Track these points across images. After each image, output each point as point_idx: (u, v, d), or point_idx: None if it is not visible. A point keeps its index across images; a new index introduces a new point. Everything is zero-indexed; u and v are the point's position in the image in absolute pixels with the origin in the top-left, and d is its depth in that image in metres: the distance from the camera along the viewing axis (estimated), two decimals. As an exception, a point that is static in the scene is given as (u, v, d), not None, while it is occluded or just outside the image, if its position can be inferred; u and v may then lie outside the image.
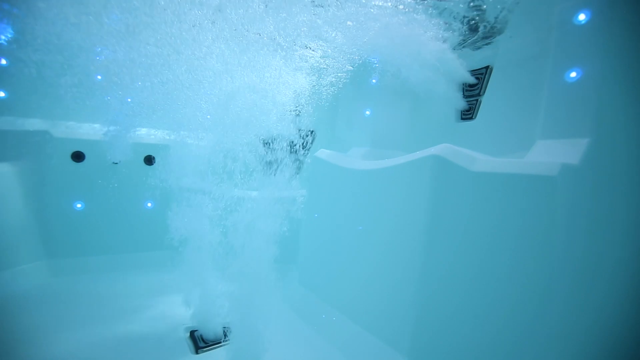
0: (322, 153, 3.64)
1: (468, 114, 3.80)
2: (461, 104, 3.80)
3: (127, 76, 4.66)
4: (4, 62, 4.34)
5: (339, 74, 4.25)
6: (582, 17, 2.46)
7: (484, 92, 3.64)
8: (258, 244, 2.62)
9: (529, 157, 2.49)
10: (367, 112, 4.50)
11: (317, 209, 3.69)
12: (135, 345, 2.85)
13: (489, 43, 3.57)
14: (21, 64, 4.43)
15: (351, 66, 4.08)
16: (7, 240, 3.79)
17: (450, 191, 2.38)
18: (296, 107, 3.98)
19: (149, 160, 4.49)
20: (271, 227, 2.68)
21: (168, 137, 4.73)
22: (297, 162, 3.34)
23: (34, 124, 4.34)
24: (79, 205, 4.25)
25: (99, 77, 4.96)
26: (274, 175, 3.11)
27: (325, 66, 4.26)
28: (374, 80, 4.43)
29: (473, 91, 3.72)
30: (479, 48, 3.66)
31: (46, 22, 3.93)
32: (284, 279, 3.98)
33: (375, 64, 4.16)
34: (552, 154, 2.34)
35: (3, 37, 4.10)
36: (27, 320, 3.10)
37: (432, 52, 3.51)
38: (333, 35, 3.67)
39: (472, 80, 3.70)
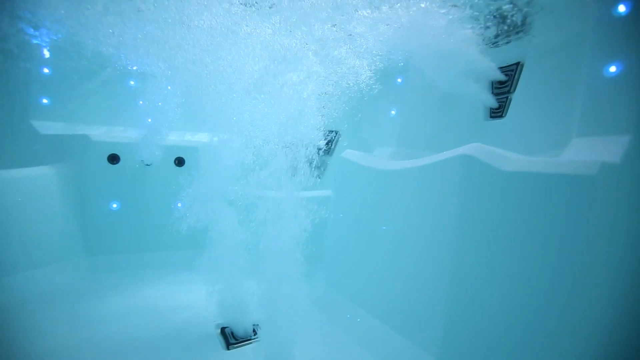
0: (349, 154, 3.65)
1: (497, 111, 3.70)
2: (490, 101, 3.70)
3: (158, 81, 4.85)
4: (46, 70, 4.62)
5: (364, 73, 4.24)
6: (622, 8, 2.34)
7: (515, 89, 3.53)
8: (286, 243, 2.66)
9: (564, 155, 2.40)
10: (393, 112, 4.47)
11: (343, 209, 3.70)
12: (168, 340, 2.97)
13: (520, 38, 3.46)
14: (62, 73, 4.71)
15: (377, 64, 4.06)
16: (50, 238, 4.04)
17: (481, 192, 2.33)
18: (322, 107, 4.01)
19: (180, 162, 4.65)
20: (298, 227, 2.72)
21: (198, 140, 4.89)
22: (322, 162, 3.38)
23: (74, 128, 4.60)
24: (114, 205, 4.46)
25: (132, 82, 5.20)
26: (295, 175, 3.16)
27: (349, 65, 4.25)
28: (399, 80, 4.39)
29: (503, 88, 3.62)
30: (509, 42, 3.56)
31: (84, 32, 4.16)
32: (311, 278, 4.01)
33: (401, 62, 4.12)
34: (590, 152, 2.24)
35: (47, 49, 4.37)
36: (68, 312, 3.30)
37: (460, 49, 3.45)
38: (358, 32, 3.67)
39: (501, 77, 3.60)
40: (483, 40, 3.54)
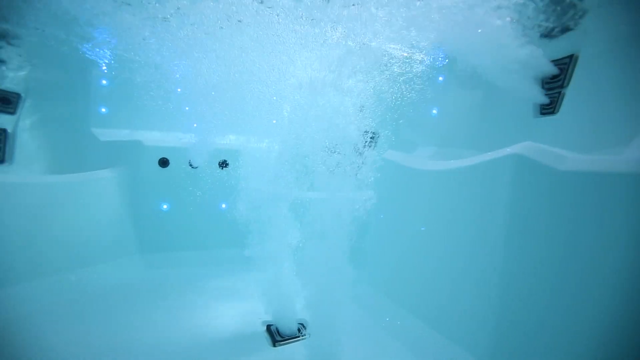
0: (390, 154, 3.62)
1: (549, 108, 3.50)
2: (540, 97, 3.51)
3: (202, 87, 5.08)
4: (104, 82, 5.00)
5: (404, 72, 4.19)
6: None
7: (568, 83, 3.33)
8: (329, 243, 2.70)
9: (629, 153, 2.24)
10: (434, 111, 4.37)
11: (385, 210, 3.68)
12: (216, 336, 3.10)
13: (574, 28, 3.26)
14: (118, 83, 5.08)
15: (418, 63, 3.99)
16: (107, 236, 4.36)
17: (535, 192, 2.23)
18: (360, 108, 4.01)
19: (224, 164, 4.85)
20: (341, 228, 2.75)
21: (241, 142, 5.05)
22: (361, 163, 3.37)
23: (128, 134, 4.94)
24: (165, 206, 4.73)
25: (179, 89, 5.48)
26: (336, 176, 3.18)
27: (390, 64, 4.21)
28: (440, 78, 4.30)
29: (555, 83, 3.42)
30: (562, 33, 3.36)
31: (135, 45, 4.46)
32: (354, 279, 4.03)
33: (444, 59, 4.02)
34: (660, 149, 2.08)
35: (104, 62, 4.74)
36: (125, 308, 3.53)
37: (507, 43, 3.30)
38: (402, 30, 3.62)
39: (553, 71, 3.40)
40: (532, 28, 3.36)
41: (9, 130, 4.57)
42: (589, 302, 1.93)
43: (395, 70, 4.04)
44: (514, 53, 3.38)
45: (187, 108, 5.53)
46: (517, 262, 2.31)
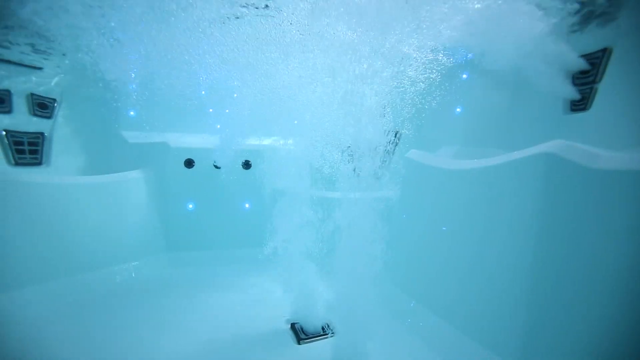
0: (414, 154, 3.59)
1: (580, 104, 3.37)
2: (571, 93, 3.39)
3: (224, 90, 5.18)
4: (133, 86, 5.18)
5: (426, 70, 4.13)
6: None
7: (601, 78, 3.20)
8: (353, 243, 2.71)
9: (669, 151, 2.14)
10: (458, 109, 4.30)
11: (408, 209, 3.65)
12: (242, 332, 3.17)
13: (607, 21, 3.13)
14: (145, 87, 5.25)
15: (442, 60, 3.92)
16: (136, 235, 4.52)
17: (568, 191, 2.16)
18: (383, 107, 3.99)
19: (247, 164, 4.93)
20: (364, 227, 2.75)
21: (264, 143, 5.13)
22: (385, 163, 3.35)
23: (155, 136, 5.10)
24: (190, 206, 4.87)
25: (203, 92, 5.61)
26: (358, 176, 3.18)
27: (411, 62, 4.16)
28: (464, 76, 4.21)
29: (587, 78, 3.29)
30: (594, 27, 3.23)
31: (161, 49, 4.58)
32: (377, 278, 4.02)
33: (468, 56, 3.94)
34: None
35: (133, 70, 4.91)
36: (152, 303, 3.66)
37: (535, 37, 3.20)
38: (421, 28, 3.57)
39: (584, 65, 3.28)
40: (562, 21, 3.24)
41: (46, 133, 4.81)
42: (625, 305, 1.86)
43: (418, 68, 3.99)
44: (543, 48, 3.28)
45: (210, 110, 5.67)
46: (549, 262, 2.24)
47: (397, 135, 5.20)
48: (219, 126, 5.52)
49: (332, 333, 3.08)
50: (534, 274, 2.31)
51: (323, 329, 3.15)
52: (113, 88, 5.17)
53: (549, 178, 2.27)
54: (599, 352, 1.99)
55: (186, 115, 5.54)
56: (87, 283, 3.87)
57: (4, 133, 4.41)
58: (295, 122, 4.78)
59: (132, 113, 5.21)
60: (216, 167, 4.82)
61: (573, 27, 3.32)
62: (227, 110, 5.41)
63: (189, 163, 4.79)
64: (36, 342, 2.80)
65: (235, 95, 5.10)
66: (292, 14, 3.31)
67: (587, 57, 3.29)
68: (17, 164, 4.52)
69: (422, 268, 3.43)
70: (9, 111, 4.47)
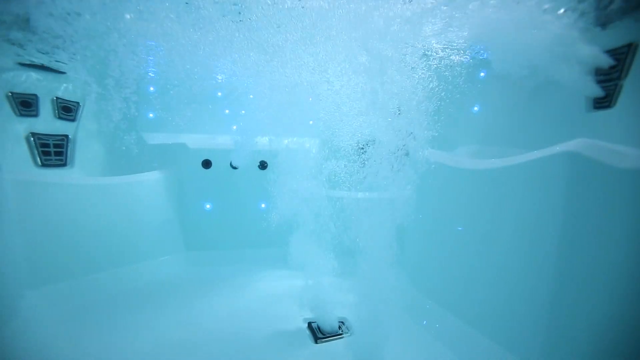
0: (430, 153, 3.55)
1: (604, 101, 3.28)
2: (594, 90, 3.30)
3: (241, 91, 5.25)
4: (152, 89, 5.30)
5: (443, 69, 4.09)
6: None
7: (627, 74, 3.10)
8: (370, 243, 2.71)
9: (701, 149, 2.06)
10: (475, 108, 4.23)
11: (425, 209, 3.62)
12: (259, 330, 3.21)
13: (632, 15, 3.03)
14: (164, 90, 5.36)
15: (457, 57, 3.87)
16: (156, 234, 4.62)
17: (593, 192, 2.11)
18: (397, 107, 3.97)
19: (263, 165, 4.98)
20: (381, 227, 2.75)
21: (279, 144, 5.18)
22: (400, 162, 3.33)
23: (174, 137, 5.21)
24: (208, 206, 4.95)
25: (219, 94, 5.70)
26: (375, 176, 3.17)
27: (427, 60, 4.12)
28: (482, 74, 4.15)
29: (611, 75, 3.20)
30: (619, 21, 3.13)
31: (180, 50, 4.67)
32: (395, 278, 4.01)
33: (484, 54, 3.88)
34: None
35: (152, 70, 5.03)
36: (171, 301, 3.75)
37: (555, 32, 3.13)
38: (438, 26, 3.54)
39: (608, 61, 3.18)
40: (584, 15, 3.16)
41: (70, 136, 4.97)
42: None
43: (434, 66, 3.95)
44: (565, 43, 3.20)
45: (227, 111, 5.76)
46: (573, 265, 2.19)
47: (410, 135, 5.16)
48: (235, 127, 5.60)
49: (349, 332, 3.10)
50: (558, 275, 2.26)
51: (340, 328, 3.16)
52: (133, 90, 5.32)
53: (573, 178, 2.21)
54: (626, 354, 1.94)
55: (203, 116, 5.64)
56: (109, 280, 3.99)
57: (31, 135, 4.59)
58: (311, 122, 4.82)
59: (151, 115, 5.34)
60: (233, 167, 4.89)
61: (596, 21, 3.23)
62: (243, 112, 5.49)
63: (207, 164, 4.87)
64: (62, 338, 2.91)
65: (251, 96, 5.17)
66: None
67: (611, 52, 3.19)
68: (43, 165, 4.69)
69: (440, 268, 3.40)
70: (35, 115, 4.65)
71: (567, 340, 2.22)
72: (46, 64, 4.60)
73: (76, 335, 2.98)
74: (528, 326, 2.46)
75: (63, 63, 4.66)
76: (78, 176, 4.82)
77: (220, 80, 5.42)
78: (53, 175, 4.63)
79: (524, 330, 2.48)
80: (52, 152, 4.79)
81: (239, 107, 5.52)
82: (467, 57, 3.97)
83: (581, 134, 2.55)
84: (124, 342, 2.96)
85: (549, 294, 2.32)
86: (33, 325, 2.94)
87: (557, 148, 2.40)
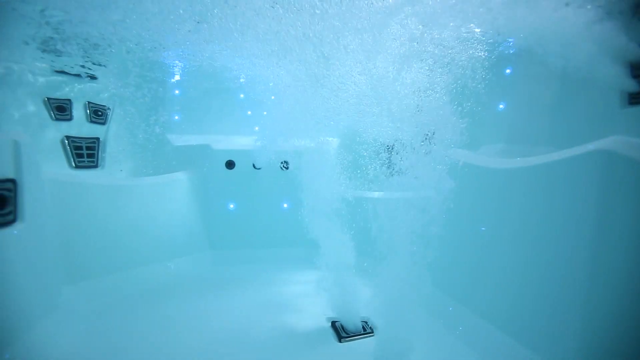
0: (455, 153, 3.49)
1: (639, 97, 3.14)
2: (629, 85, 3.16)
3: (264, 92, 5.32)
4: (177, 92, 5.47)
5: (467, 65, 4.00)
6: None
7: (665, 68, 2.96)
8: (394, 243, 2.70)
9: None
10: (501, 106, 4.13)
11: (449, 209, 3.56)
12: (284, 328, 3.25)
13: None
14: (188, 93, 5.52)
15: (482, 54, 3.78)
16: (181, 233, 4.75)
17: (629, 191, 2.03)
18: (417, 105, 3.92)
19: (285, 165, 5.04)
20: (404, 227, 2.73)
21: (301, 144, 5.24)
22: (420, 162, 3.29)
23: (198, 139, 5.35)
24: (231, 206, 5.05)
25: (242, 95, 5.80)
26: (395, 176, 3.15)
27: (449, 56, 4.03)
28: (508, 70, 4.04)
29: (648, 69, 3.06)
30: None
31: (205, 54, 4.78)
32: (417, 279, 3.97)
33: (511, 50, 3.79)
34: None
35: (178, 73, 5.19)
36: (197, 299, 3.82)
37: (588, 24, 3.02)
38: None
39: (645, 55, 3.04)
40: (618, 8, 3.03)
41: (101, 138, 5.19)
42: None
43: (459, 62, 3.87)
44: (597, 36, 3.09)
45: (249, 112, 5.86)
46: (608, 266, 2.12)
47: (432, 134, 5.08)
48: (257, 128, 5.69)
49: (373, 332, 3.09)
50: (593, 277, 2.18)
51: (364, 327, 3.16)
52: (159, 94, 5.50)
53: (608, 177, 2.13)
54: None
55: (227, 118, 5.77)
56: (138, 277, 4.13)
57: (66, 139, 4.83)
58: (332, 122, 4.83)
59: (176, 117, 5.50)
60: (256, 168, 4.97)
61: (633, 13, 3.10)
62: (264, 113, 5.57)
63: (230, 164, 4.97)
64: (96, 330, 3.05)
65: (272, 97, 5.24)
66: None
67: (648, 45, 3.06)
68: (77, 166, 4.92)
69: (467, 269, 3.34)
70: (69, 119, 4.88)
71: (602, 343, 2.14)
72: (78, 70, 4.83)
73: (108, 328, 3.11)
74: (558, 328, 2.39)
75: (98, 66, 4.87)
76: (109, 177, 5.03)
77: (242, 81, 5.53)
78: (86, 176, 4.84)
79: (554, 333, 2.41)
80: (84, 154, 5.01)
81: (260, 108, 5.60)
82: (494, 51, 3.86)
83: (615, 131, 2.46)
84: (152, 335, 3.06)
85: (583, 296, 2.25)
86: (70, 318, 3.10)
87: (591, 146, 2.32)
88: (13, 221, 2.65)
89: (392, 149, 3.17)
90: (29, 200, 2.82)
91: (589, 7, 3.01)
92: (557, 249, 2.43)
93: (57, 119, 4.77)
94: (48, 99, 4.69)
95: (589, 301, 2.22)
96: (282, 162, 5.03)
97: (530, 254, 2.67)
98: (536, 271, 2.61)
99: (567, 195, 2.41)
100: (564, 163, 2.47)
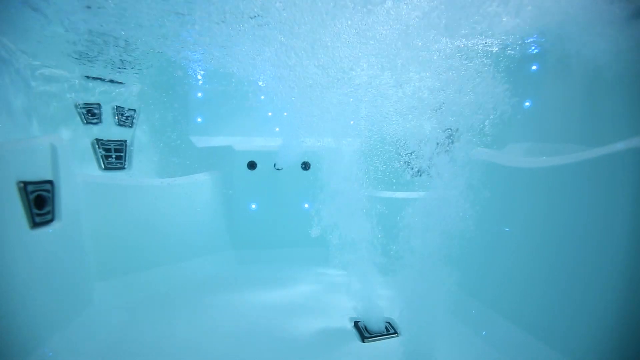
0: (480, 152, 3.44)
1: (677, 92, 3.01)
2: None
3: (283, 94, 5.37)
4: (200, 94, 5.60)
5: (491, 62, 3.92)
6: None
7: None
8: (417, 244, 2.69)
9: None
10: (527, 104, 4.03)
11: (475, 210, 3.51)
12: (307, 328, 3.27)
13: None
14: (210, 95, 5.64)
15: (510, 50, 3.70)
16: (205, 233, 4.86)
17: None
18: (440, 103, 3.87)
19: (306, 166, 5.08)
20: (426, 228, 2.71)
21: (321, 145, 5.27)
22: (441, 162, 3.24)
23: (220, 140, 5.46)
24: (253, 206, 5.13)
25: (262, 97, 5.88)
26: (417, 176, 3.13)
27: (474, 52, 3.95)
28: (534, 67, 3.94)
29: (685, 63, 2.93)
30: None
31: (226, 58, 4.88)
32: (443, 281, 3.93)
33: (535, 48, 3.69)
34: None
35: (200, 75, 5.31)
36: (219, 298, 3.89)
37: (619, 18, 2.92)
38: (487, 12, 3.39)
39: (682, 49, 2.92)
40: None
41: (128, 141, 5.38)
42: None
43: (482, 59, 3.80)
44: (629, 30, 2.98)
45: (269, 114, 5.93)
46: (643, 269, 2.05)
47: (454, 132, 5.00)
48: (277, 129, 5.76)
49: (396, 333, 3.08)
50: (628, 281, 2.11)
51: (387, 328, 3.16)
52: (183, 97, 5.65)
53: (639, 177, 2.06)
54: None
55: (248, 119, 5.86)
56: (165, 275, 4.24)
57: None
58: (352, 122, 4.83)
59: (199, 119, 5.64)
60: (277, 168, 5.03)
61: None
62: (285, 114, 5.62)
63: (252, 165, 5.05)
64: (127, 325, 3.17)
65: (292, 98, 5.29)
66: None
67: (686, 38, 2.93)
68: (106, 168, 5.12)
69: (493, 270, 3.28)
70: (99, 122, 5.09)
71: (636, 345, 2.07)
72: (110, 77, 5.03)
73: (138, 323, 3.22)
74: (589, 332, 2.32)
75: (124, 72, 5.05)
76: (135, 178, 5.20)
77: (262, 85, 5.60)
78: (114, 177, 5.02)
79: (584, 337, 2.34)
80: (113, 156, 5.21)
81: (281, 109, 5.66)
82: (519, 48, 3.77)
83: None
84: (179, 331, 3.15)
85: (616, 300, 2.18)
86: (103, 313, 3.23)
87: (624, 144, 2.24)
88: (51, 220, 2.79)
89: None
90: (65, 200, 2.96)
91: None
92: (591, 251, 2.36)
93: (87, 123, 4.98)
94: (79, 103, 4.91)
95: (623, 307, 2.15)
96: (302, 163, 5.08)
97: (558, 256, 2.60)
98: (563, 273, 2.54)
99: (595, 196, 2.35)
100: (593, 162, 2.40)
